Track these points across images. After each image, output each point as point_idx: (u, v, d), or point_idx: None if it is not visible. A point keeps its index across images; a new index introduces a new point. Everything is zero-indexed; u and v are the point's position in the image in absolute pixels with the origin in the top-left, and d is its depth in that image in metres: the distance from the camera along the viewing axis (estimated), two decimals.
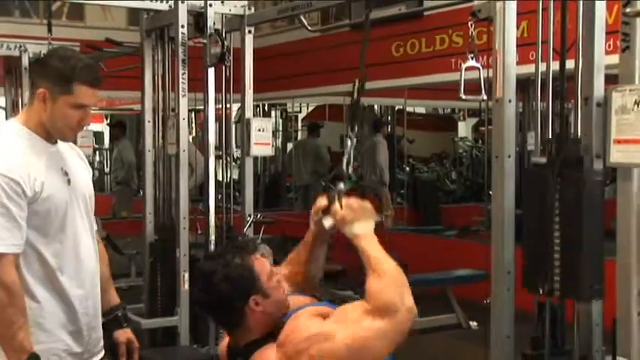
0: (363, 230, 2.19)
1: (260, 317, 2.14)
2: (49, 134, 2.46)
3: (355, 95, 2.32)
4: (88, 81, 2.41)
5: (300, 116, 13.47)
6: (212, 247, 5.02)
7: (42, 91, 2.40)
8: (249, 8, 5.11)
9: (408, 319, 2.06)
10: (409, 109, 12.23)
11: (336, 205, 2.22)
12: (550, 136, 2.82)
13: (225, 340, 2.31)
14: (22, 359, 2.27)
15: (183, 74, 4.96)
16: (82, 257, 2.49)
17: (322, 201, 2.29)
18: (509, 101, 2.87)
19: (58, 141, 2.51)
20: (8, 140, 2.41)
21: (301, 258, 2.41)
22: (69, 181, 2.47)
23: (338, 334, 2.03)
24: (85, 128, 2.61)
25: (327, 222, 2.26)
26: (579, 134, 2.67)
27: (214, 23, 4.95)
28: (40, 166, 2.38)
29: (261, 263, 2.20)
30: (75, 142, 2.60)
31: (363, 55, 2.38)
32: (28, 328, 2.30)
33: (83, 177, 2.57)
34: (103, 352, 2.61)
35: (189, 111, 5.18)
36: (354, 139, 2.30)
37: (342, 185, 2.26)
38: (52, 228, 2.40)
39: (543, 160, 2.75)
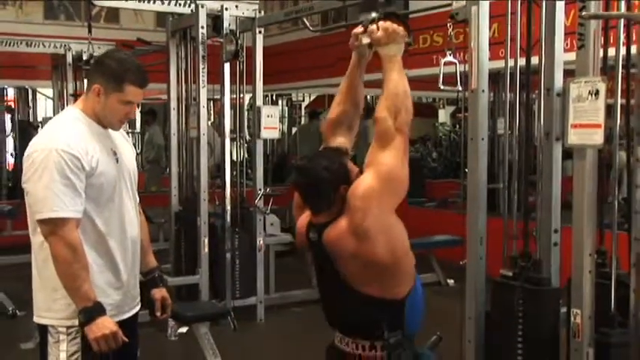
0: (394, 52, 2.21)
1: (342, 203, 2.19)
2: (101, 120, 2.47)
3: None
4: (138, 82, 2.41)
5: (303, 104, 13.41)
6: (228, 216, 5.05)
7: (97, 87, 2.40)
8: (260, 12, 5.11)
9: (402, 138, 2.13)
10: None
11: (373, 26, 2.23)
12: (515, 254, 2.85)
13: (303, 219, 2.33)
14: (88, 306, 2.29)
15: (203, 69, 4.96)
16: (126, 225, 2.49)
17: (359, 28, 2.29)
18: (483, 92, 2.87)
19: None
20: (70, 123, 2.42)
21: (345, 91, 2.42)
22: (117, 160, 2.47)
23: (372, 181, 2.12)
24: None
25: (365, 39, 2.27)
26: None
27: (229, 25, 4.96)
28: (95, 145, 2.38)
29: (352, 165, 2.27)
30: None
31: None
32: (90, 282, 2.31)
33: (128, 156, 2.58)
34: (139, 306, 2.62)
35: (208, 100, 5.21)
36: None
37: (374, 14, 2.27)
38: (103, 199, 2.40)
39: (510, 273, 2.78)
